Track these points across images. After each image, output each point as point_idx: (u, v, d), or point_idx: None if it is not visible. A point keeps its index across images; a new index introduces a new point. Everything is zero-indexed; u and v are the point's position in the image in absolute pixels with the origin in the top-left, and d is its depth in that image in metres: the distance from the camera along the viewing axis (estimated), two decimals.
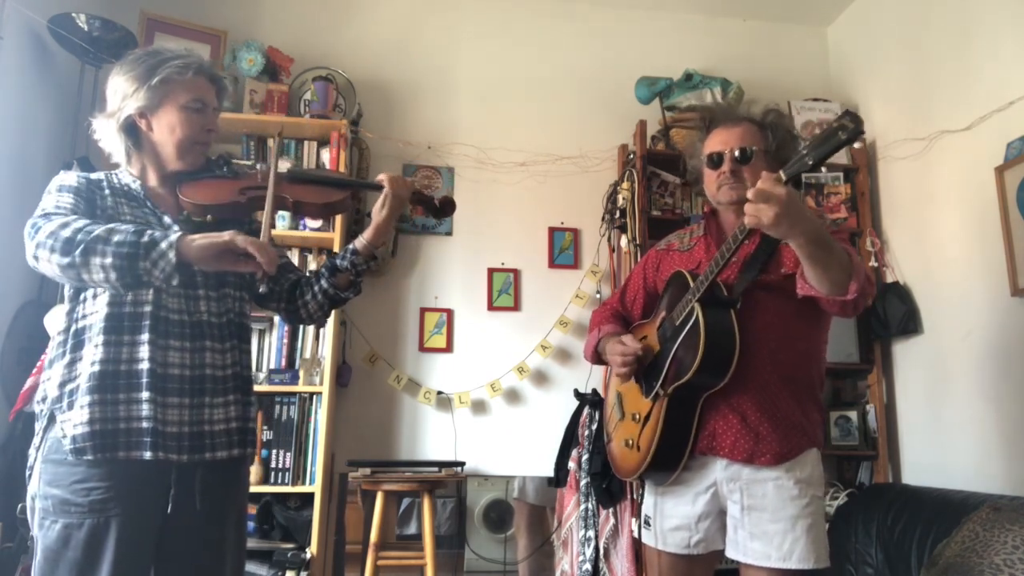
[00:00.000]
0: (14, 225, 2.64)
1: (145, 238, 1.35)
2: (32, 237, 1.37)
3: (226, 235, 1.39)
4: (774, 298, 1.69)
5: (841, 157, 3.41)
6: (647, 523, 1.83)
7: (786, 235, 1.41)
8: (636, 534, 1.87)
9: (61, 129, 2.90)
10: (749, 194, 1.39)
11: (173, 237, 1.37)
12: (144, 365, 1.43)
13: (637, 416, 1.79)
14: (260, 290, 1.53)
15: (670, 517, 1.76)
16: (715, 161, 1.80)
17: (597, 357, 2.00)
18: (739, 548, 1.67)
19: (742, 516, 1.66)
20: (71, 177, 1.52)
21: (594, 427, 2.72)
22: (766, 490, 1.65)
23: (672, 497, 1.77)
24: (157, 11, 3.22)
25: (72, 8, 2.77)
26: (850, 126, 1.33)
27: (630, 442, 1.80)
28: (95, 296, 1.46)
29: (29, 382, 2.40)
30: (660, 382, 1.71)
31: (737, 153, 1.76)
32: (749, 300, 1.67)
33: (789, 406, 1.70)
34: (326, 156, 3.15)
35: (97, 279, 1.35)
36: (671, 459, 1.71)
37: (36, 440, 1.46)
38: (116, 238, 1.34)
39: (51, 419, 1.43)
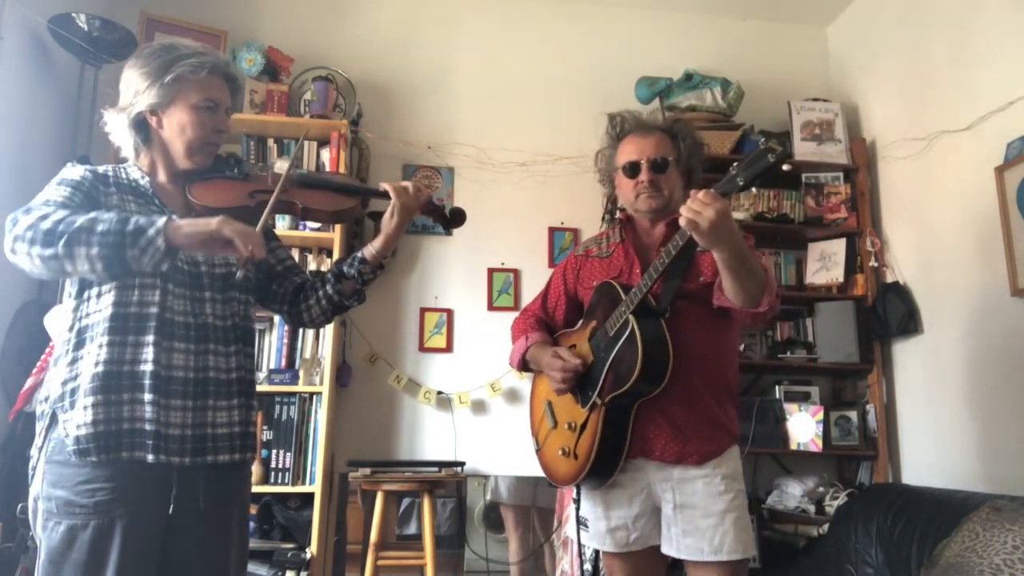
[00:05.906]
0: None
1: (130, 226, 1.30)
2: (10, 230, 1.33)
3: (214, 223, 1.34)
4: (694, 306, 1.76)
5: (841, 157, 3.41)
6: (585, 525, 1.90)
7: (715, 244, 1.51)
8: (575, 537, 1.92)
9: (61, 129, 2.90)
10: (688, 201, 1.48)
11: (160, 223, 1.31)
12: (148, 367, 1.41)
13: (573, 425, 1.83)
14: (237, 276, 1.45)
15: (609, 519, 1.83)
16: (631, 170, 1.85)
17: (524, 365, 2.02)
18: (673, 544, 1.75)
19: (675, 514, 1.74)
20: (76, 171, 1.49)
21: None
22: (695, 488, 1.73)
23: (609, 500, 1.83)
24: (157, 11, 3.23)
25: (72, 8, 2.77)
26: (777, 149, 1.43)
27: (566, 450, 1.85)
28: (99, 295, 1.45)
29: (29, 382, 2.39)
30: (597, 392, 1.75)
31: (653, 163, 1.82)
32: (672, 309, 1.72)
33: (712, 407, 1.78)
34: (326, 156, 3.15)
35: (82, 270, 1.31)
36: (608, 466, 1.77)
37: (38, 439, 1.44)
38: (100, 227, 1.29)
39: (53, 418, 1.42)
